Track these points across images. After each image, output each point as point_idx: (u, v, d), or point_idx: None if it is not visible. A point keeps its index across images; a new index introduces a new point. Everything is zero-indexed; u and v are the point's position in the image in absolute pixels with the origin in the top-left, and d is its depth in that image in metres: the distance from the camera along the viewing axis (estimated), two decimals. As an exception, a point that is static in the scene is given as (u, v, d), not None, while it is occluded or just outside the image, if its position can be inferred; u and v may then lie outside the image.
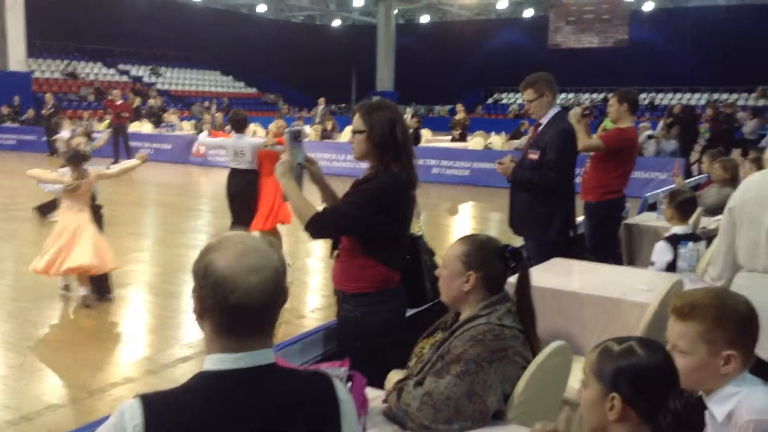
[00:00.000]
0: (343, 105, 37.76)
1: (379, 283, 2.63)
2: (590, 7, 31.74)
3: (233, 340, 1.32)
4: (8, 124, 21.43)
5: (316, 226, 2.56)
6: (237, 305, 1.29)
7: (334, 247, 2.76)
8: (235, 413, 1.27)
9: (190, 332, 5.32)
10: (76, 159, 5.70)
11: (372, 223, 2.57)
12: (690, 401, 1.53)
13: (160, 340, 5.15)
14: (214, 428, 1.26)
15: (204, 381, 1.31)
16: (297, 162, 2.59)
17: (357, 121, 2.63)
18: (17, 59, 22.29)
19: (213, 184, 14.95)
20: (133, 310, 5.91)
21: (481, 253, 2.17)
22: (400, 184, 2.61)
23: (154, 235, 9.34)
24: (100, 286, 5.91)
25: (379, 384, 2.21)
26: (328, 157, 14.63)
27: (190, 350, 4.85)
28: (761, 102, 26.52)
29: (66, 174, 5.72)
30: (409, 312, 2.83)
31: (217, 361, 1.32)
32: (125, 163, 6.71)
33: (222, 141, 7.31)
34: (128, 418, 1.24)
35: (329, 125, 18.32)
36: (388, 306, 2.67)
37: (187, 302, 6.18)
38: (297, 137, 2.60)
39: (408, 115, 13.09)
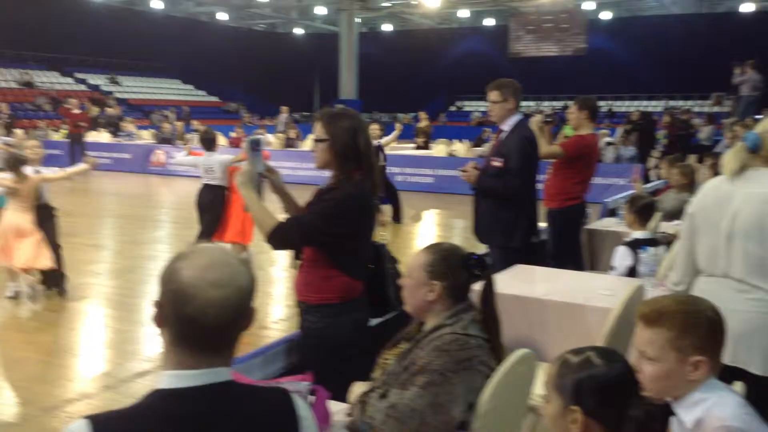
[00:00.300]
0: (307, 113, 37.64)
1: (343, 294, 2.60)
2: (549, 17, 32.22)
3: (188, 355, 1.26)
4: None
5: (279, 237, 2.52)
6: (192, 318, 1.24)
7: (296, 257, 2.71)
8: None
9: (149, 346, 5.19)
10: (14, 163, 5.94)
11: (336, 234, 2.53)
12: (651, 409, 1.52)
13: (118, 354, 5.01)
14: None
15: (157, 400, 1.25)
16: (257, 171, 2.55)
17: (319, 129, 2.60)
18: (-31, 68, 21.69)
19: (173, 194, 14.74)
20: (89, 324, 5.75)
21: (446, 263, 2.15)
22: (363, 193, 2.58)
23: (113, 247, 9.14)
24: (52, 278, 6.19)
25: (344, 396, 2.17)
26: (291, 165, 14.52)
27: (148, 364, 4.73)
28: (716, 109, 27.20)
29: (6, 178, 5.92)
30: (373, 321, 2.79)
31: (172, 379, 1.26)
32: (72, 168, 7.12)
33: (194, 160, 7.47)
34: None
35: (292, 133, 18.21)
36: (351, 316, 2.64)
37: (146, 315, 6.04)
38: (256, 146, 2.57)
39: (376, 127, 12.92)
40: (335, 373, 2.27)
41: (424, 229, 10.54)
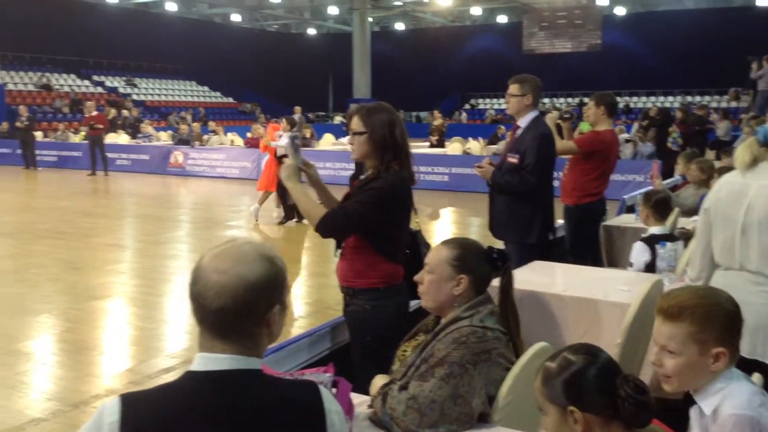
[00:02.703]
0: (321, 113, 37.75)
1: (387, 279, 2.75)
2: (563, 13, 32.05)
3: (206, 338, 1.35)
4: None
5: (328, 226, 2.68)
6: (195, 297, 1.34)
7: (338, 245, 2.84)
8: (213, 416, 1.28)
9: (173, 343, 5.29)
10: None
11: (380, 221, 2.68)
12: (637, 383, 1.56)
13: (142, 350, 5.10)
14: (188, 429, 1.27)
15: (186, 381, 1.33)
16: (297, 165, 2.71)
17: (356, 123, 2.73)
18: (-11, 72, 21.99)
19: (191, 194, 14.88)
20: (113, 322, 5.85)
21: (471, 256, 2.19)
22: (403, 182, 2.74)
23: (133, 246, 9.26)
24: None
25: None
26: (306, 165, 14.60)
27: (173, 360, 4.81)
28: (733, 104, 26.93)
29: None
30: (412, 303, 2.91)
31: (201, 360, 1.34)
32: None
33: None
34: (106, 414, 1.27)
35: (307, 133, 18.29)
36: (394, 300, 2.78)
37: (168, 313, 6.14)
38: (296, 142, 2.74)
39: None
40: (379, 354, 2.38)
41: (441, 227, 10.57)
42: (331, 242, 2.91)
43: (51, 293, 6.56)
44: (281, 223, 10.19)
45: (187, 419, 1.27)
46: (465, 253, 2.19)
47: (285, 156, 8.16)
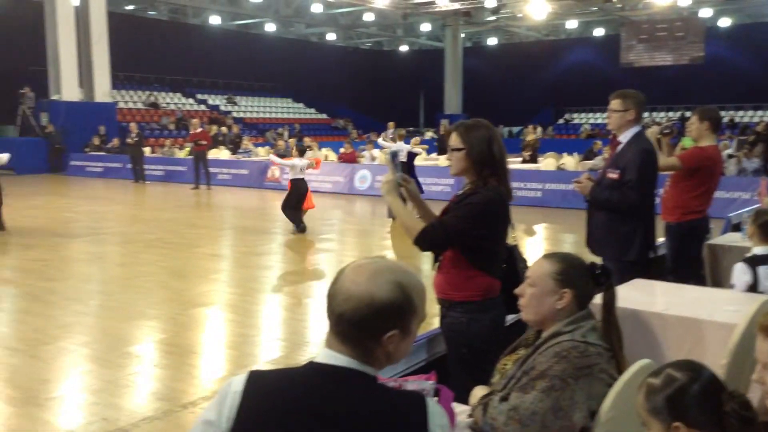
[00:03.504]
0: (412, 128, 37.99)
1: (484, 292, 2.80)
2: (663, 25, 31.02)
3: (331, 336, 1.46)
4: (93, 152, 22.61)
5: (427, 239, 2.75)
6: (328, 296, 1.47)
7: (435, 259, 2.91)
8: (324, 406, 1.38)
9: (271, 350, 5.49)
10: None
11: (477, 235, 2.74)
12: (743, 399, 1.53)
13: (242, 356, 5.32)
14: (304, 416, 1.37)
15: (308, 369, 1.44)
16: (397, 181, 2.80)
17: (455, 139, 2.81)
18: (103, 91, 23.50)
19: (287, 208, 15.31)
20: (214, 328, 6.14)
21: (575, 271, 2.19)
22: (500, 197, 2.78)
23: (233, 257, 9.65)
24: None
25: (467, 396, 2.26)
26: (399, 180, 14.76)
27: (272, 367, 4.99)
28: None
29: None
30: (508, 317, 2.96)
31: (326, 355, 1.45)
32: None
33: (292, 162, 11.11)
34: (233, 384, 1.43)
35: (395, 150, 18.49)
36: (491, 313, 2.82)
37: (264, 321, 6.37)
38: (395, 158, 2.83)
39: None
40: (475, 366, 2.41)
41: (534, 244, 10.44)
42: (425, 256, 2.99)
43: (158, 300, 6.95)
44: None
45: (300, 403, 1.39)
46: (568, 267, 2.19)
47: (298, 178, 10.74)
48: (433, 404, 1.47)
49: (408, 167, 13.68)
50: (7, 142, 20.80)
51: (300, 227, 10.78)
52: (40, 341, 5.52)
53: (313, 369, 1.44)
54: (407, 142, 14.37)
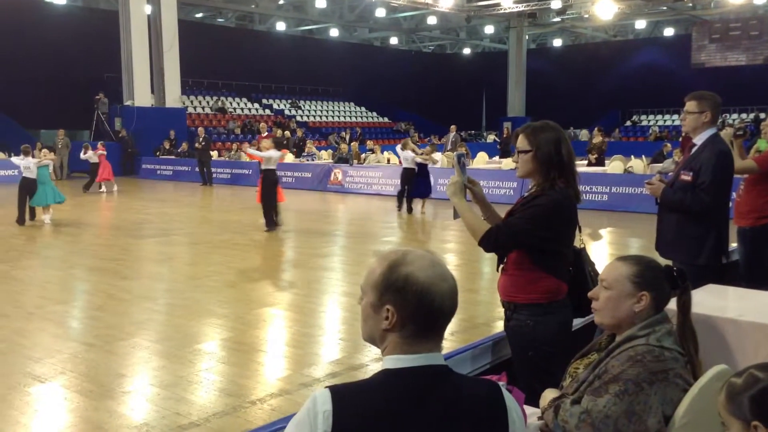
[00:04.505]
0: (474, 132, 37.81)
1: (550, 294, 2.75)
2: (737, 24, 29.93)
3: (411, 340, 1.45)
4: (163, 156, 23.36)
5: (492, 241, 2.74)
6: (439, 309, 1.45)
7: (500, 261, 2.89)
8: (415, 409, 1.40)
9: (335, 350, 5.56)
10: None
11: (543, 237, 2.70)
12: None
13: (306, 355, 5.42)
14: (394, 421, 1.39)
15: (386, 377, 1.45)
16: (463, 182, 2.81)
17: (522, 141, 2.79)
18: (173, 97, 24.28)
19: (348, 211, 15.48)
20: (279, 327, 6.26)
21: (652, 273, 2.15)
22: (568, 199, 2.75)
23: (296, 258, 9.80)
24: None
25: (536, 398, 2.25)
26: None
27: (338, 367, 5.06)
28: None
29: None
30: (576, 321, 2.92)
31: (395, 360, 1.46)
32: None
33: (269, 154, 11.63)
34: (320, 403, 1.39)
35: (462, 151, 18.43)
36: (557, 316, 2.77)
37: (328, 321, 6.46)
38: (462, 160, 2.84)
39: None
40: (542, 370, 2.38)
41: (599, 248, 10.24)
42: (487, 259, 2.98)
43: (226, 299, 7.13)
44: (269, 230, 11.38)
45: (387, 412, 1.40)
46: (645, 269, 2.15)
47: (270, 169, 11.47)
48: (506, 391, 1.53)
49: (415, 173, 13.90)
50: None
51: (274, 225, 11.39)
52: (115, 337, 5.75)
53: (393, 376, 1.44)
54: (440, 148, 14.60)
